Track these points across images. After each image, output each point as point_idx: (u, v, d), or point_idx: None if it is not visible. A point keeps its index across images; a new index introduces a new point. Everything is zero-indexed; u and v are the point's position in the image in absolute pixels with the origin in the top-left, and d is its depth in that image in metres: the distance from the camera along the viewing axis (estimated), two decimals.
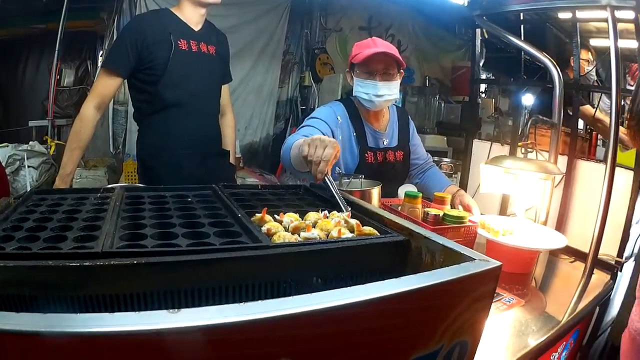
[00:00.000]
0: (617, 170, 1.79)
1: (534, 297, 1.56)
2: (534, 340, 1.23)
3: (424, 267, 0.93)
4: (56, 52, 3.96)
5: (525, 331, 1.28)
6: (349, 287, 0.65)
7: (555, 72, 2.09)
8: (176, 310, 0.53)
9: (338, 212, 1.16)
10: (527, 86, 3.02)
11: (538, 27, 3.87)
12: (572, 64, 2.70)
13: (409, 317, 0.70)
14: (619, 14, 1.84)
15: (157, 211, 1.11)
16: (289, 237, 0.95)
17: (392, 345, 0.70)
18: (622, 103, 2.04)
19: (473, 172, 2.86)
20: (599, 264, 1.80)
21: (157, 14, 2.19)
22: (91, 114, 1.95)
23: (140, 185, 1.78)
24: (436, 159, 3.74)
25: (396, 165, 2.12)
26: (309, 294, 0.61)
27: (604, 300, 1.71)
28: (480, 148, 2.93)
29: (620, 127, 1.79)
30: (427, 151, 2.35)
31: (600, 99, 3.52)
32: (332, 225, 1.02)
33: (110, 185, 1.39)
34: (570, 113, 2.55)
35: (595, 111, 3.22)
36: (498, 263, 0.80)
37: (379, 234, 1.01)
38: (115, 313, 0.52)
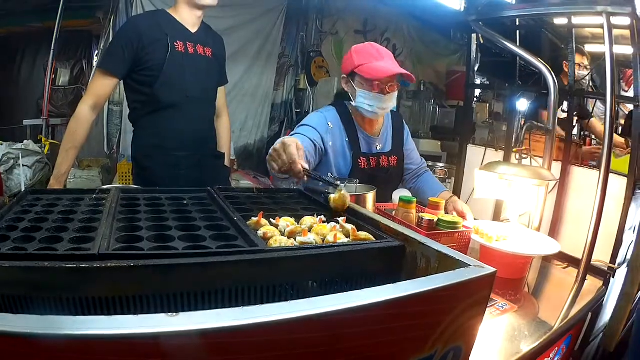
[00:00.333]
0: (611, 176, 1.79)
1: (527, 302, 1.57)
2: (526, 346, 1.23)
3: (420, 273, 0.94)
4: (52, 51, 3.94)
5: (518, 336, 1.28)
6: (345, 292, 0.65)
7: (550, 78, 2.10)
8: (175, 313, 0.54)
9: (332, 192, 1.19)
10: (521, 91, 3.03)
11: (533, 32, 3.89)
12: (567, 70, 2.71)
13: (404, 322, 0.71)
14: (614, 20, 1.85)
15: (153, 213, 1.11)
16: (285, 242, 0.95)
17: (387, 349, 0.71)
18: (617, 109, 2.06)
19: (467, 177, 2.86)
20: (591, 270, 1.81)
21: (154, 15, 2.17)
22: (87, 114, 1.94)
23: (135, 186, 1.77)
24: (430, 163, 3.74)
25: (390, 170, 2.11)
26: (306, 299, 0.62)
27: (596, 307, 1.71)
28: (474, 153, 2.94)
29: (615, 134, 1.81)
30: (421, 156, 2.34)
31: (595, 105, 3.53)
32: (328, 230, 1.03)
33: (105, 187, 1.38)
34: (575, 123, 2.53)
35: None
36: (493, 269, 0.81)
37: (374, 239, 1.02)
38: (114, 316, 0.52)
